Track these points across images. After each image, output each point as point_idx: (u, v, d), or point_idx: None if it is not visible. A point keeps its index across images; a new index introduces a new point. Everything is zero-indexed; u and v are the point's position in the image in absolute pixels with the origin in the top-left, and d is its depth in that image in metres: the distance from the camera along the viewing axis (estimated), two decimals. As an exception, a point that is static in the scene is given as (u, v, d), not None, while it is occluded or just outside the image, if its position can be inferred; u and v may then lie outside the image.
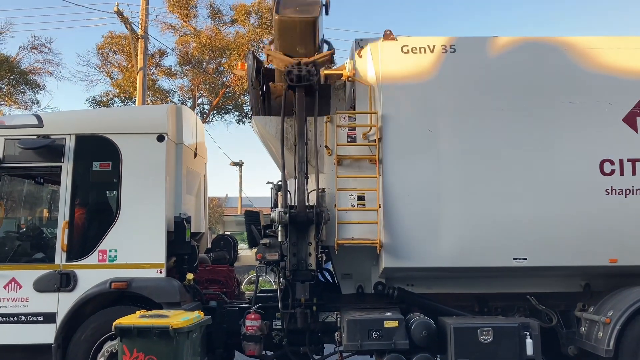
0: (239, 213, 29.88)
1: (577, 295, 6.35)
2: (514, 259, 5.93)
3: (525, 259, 5.92)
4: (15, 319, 5.69)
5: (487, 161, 6.01)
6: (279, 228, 5.89)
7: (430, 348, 5.74)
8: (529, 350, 5.60)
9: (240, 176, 35.75)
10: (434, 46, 6.22)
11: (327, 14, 6.48)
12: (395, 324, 5.69)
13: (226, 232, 8.26)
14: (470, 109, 6.11)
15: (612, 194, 5.94)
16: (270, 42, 6.66)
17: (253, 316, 6.02)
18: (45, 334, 5.64)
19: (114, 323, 4.58)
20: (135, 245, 5.85)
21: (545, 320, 6.29)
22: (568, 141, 6.05)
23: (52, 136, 5.96)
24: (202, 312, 5.48)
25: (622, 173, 5.96)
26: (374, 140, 6.06)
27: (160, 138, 6.03)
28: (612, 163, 5.99)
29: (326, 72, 6.46)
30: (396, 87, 6.15)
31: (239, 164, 34.62)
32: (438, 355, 5.90)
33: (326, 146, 6.23)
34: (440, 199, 5.98)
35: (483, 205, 5.96)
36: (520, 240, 5.93)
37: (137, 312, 5.08)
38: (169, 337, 4.44)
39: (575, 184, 5.96)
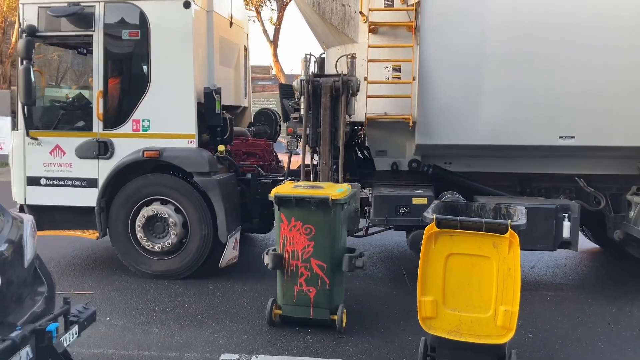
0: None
1: (631, 179, 5.86)
2: (560, 137, 5.47)
3: (573, 137, 5.45)
4: (62, 182, 6.05)
5: (536, 28, 5.35)
6: (301, 99, 5.65)
7: (460, 226, 5.59)
8: (565, 233, 5.35)
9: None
10: None
11: None
12: (424, 201, 5.54)
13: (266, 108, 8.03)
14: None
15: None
16: None
17: (286, 188, 6.04)
18: (89, 198, 5.97)
19: (273, 191, 4.58)
20: (166, 115, 5.88)
21: (592, 204, 5.91)
22: (628, 6, 5.24)
23: (81, 4, 5.89)
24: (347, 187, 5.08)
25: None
26: (412, 5, 5.52)
27: (187, 4, 5.79)
28: None
29: None
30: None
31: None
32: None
33: (361, 12, 5.76)
34: (482, 71, 5.48)
35: (529, 78, 5.41)
36: (568, 116, 5.42)
37: (290, 183, 5.14)
38: (327, 207, 4.43)
39: (636, 53, 5.22)
